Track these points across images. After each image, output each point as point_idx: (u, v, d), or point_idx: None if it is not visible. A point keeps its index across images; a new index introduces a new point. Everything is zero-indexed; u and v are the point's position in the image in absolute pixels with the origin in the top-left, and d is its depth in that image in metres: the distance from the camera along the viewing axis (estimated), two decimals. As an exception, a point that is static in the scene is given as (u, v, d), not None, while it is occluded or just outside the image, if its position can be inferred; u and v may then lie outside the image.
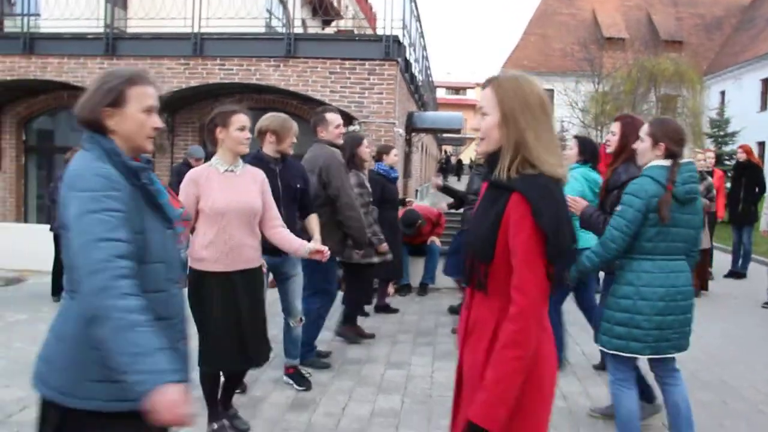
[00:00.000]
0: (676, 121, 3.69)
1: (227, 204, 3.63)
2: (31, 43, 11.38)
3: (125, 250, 1.87)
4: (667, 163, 3.42)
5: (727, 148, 22.30)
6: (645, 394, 4.24)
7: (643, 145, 3.51)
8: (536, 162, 1.95)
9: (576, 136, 5.50)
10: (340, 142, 5.33)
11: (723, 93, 34.60)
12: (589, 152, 5.11)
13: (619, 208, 3.40)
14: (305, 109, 10.92)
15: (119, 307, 1.78)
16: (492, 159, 2.04)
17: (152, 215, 2.06)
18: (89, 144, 2.02)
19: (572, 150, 5.12)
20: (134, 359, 1.75)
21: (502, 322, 1.95)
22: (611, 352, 3.51)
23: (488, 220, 1.98)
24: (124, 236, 1.88)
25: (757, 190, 9.77)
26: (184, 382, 1.82)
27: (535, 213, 1.89)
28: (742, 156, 10.10)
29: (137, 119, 2.06)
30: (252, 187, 3.78)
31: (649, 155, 3.49)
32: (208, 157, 5.19)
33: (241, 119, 3.65)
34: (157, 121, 2.13)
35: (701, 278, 8.58)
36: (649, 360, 3.59)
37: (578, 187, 4.73)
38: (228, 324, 3.65)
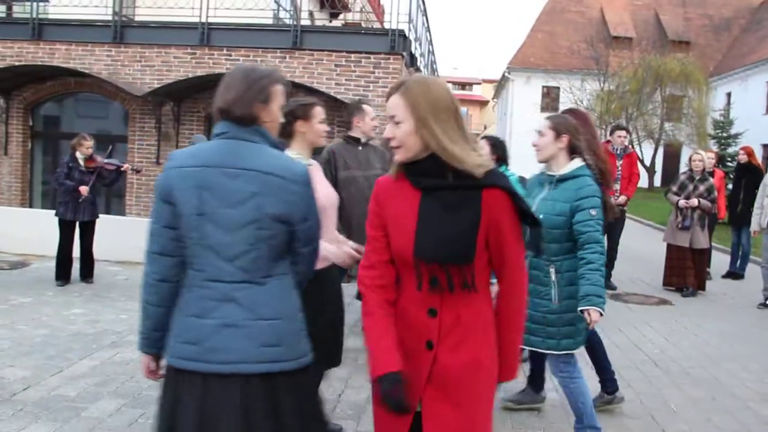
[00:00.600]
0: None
1: (326, 198, 3.37)
2: (40, 29, 11.46)
3: None
4: (582, 162, 3.53)
5: (730, 150, 22.29)
6: (537, 383, 4.44)
7: (544, 139, 3.57)
8: (461, 160, 1.96)
9: (486, 137, 5.35)
10: (374, 135, 5.31)
11: (729, 94, 34.54)
12: (500, 151, 5.00)
13: (594, 212, 3.39)
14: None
15: None
16: (423, 166, 2.02)
17: None
18: (258, 137, 2.17)
19: (483, 150, 5.05)
20: None
21: (489, 313, 2.10)
22: (563, 352, 3.55)
23: (461, 223, 1.97)
24: None
25: (757, 191, 9.80)
26: None
27: (517, 200, 2.00)
28: (743, 158, 10.15)
29: (276, 115, 2.25)
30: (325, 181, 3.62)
31: (552, 147, 3.55)
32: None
33: (321, 111, 3.54)
34: (281, 116, 2.30)
35: (699, 278, 8.65)
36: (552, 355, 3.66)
37: None
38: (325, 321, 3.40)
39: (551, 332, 3.52)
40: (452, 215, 1.98)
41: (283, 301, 2.14)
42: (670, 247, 8.73)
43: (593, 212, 3.38)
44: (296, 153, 3.39)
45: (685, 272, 8.53)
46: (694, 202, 8.33)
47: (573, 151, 3.54)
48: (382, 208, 2.09)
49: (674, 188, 8.68)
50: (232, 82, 2.18)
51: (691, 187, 8.47)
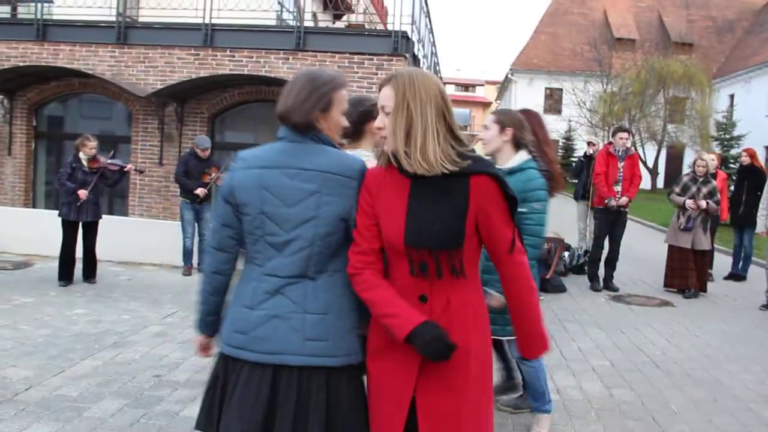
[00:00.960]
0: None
1: None
2: (44, 30, 11.49)
3: None
4: (528, 155, 3.61)
5: (733, 152, 22.29)
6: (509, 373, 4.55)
7: (489, 133, 3.67)
8: (424, 154, 2.00)
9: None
10: None
11: (732, 96, 34.52)
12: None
13: (537, 205, 3.46)
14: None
15: None
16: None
17: None
18: (317, 141, 2.25)
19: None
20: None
21: (479, 300, 2.15)
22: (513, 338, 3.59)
23: (449, 210, 2.02)
24: None
25: (759, 193, 9.81)
26: None
27: (504, 186, 2.05)
28: (746, 159, 10.15)
29: (336, 120, 2.28)
30: None
31: (497, 140, 3.63)
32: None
33: None
34: (344, 121, 2.33)
35: (700, 280, 8.65)
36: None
37: None
38: None
39: (509, 319, 3.47)
40: (441, 202, 2.02)
41: (333, 297, 2.18)
42: (671, 248, 8.72)
43: (537, 206, 3.44)
44: (368, 153, 3.23)
45: (686, 274, 8.53)
46: (702, 203, 8.32)
47: (517, 145, 3.61)
48: (374, 198, 2.11)
49: (677, 189, 8.67)
50: (294, 88, 2.23)
51: (694, 188, 8.47)
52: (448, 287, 2.07)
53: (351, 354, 2.18)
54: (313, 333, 2.12)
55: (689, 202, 8.39)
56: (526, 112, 4.18)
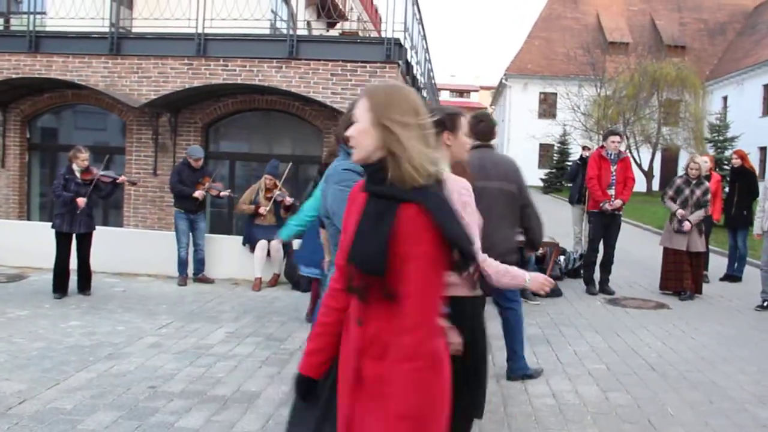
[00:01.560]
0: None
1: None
2: (37, 42, 11.49)
3: None
4: None
5: (727, 153, 22.35)
6: None
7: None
8: (414, 168, 1.94)
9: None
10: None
11: (725, 98, 34.68)
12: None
13: None
14: (307, 110, 11.02)
15: None
16: (371, 169, 2.03)
17: None
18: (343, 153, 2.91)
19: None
20: None
21: (428, 337, 1.97)
22: None
23: (379, 233, 1.92)
24: None
25: (750, 195, 9.86)
26: None
27: (439, 225, 1.91)
28: (737, 161, 10.18)
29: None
30: None
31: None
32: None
33: (466, 123, 3.29)
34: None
35: (696, 282, 8.67)
36: None
37: None
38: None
39: None
40: (376, 224, 1.95)
41: None
42: (666, 250, 8.73)
43: None
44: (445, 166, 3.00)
45: (682, 276, 8.54)
46: (687, 226, 8.36)
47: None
48: (349, 212, 2.12)
49: (670, 192, 8.69)
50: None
51: (687, 191, 8.49)
52: (381, 314, 1.97)
53: None
54: None
55: (679, 212, 8.44)
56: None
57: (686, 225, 8.36)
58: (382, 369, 1.96)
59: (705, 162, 9.56)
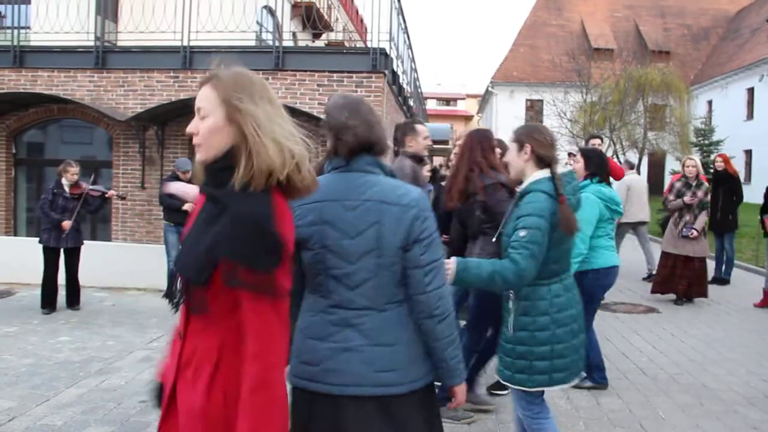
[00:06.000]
0: (542, 125, 3.39)
1: None
2: (21, 56, 11.44)
3: None
4: (547, 173, 3.09)
5: (713, 157, 22.54)
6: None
7: (510, 153, 3.24)
8: (265, 164, 1.67)
9: (582, 150, 5.24)
10: (426, 154, 5.18)
11: (710, 102, 34.99)
12: (595, 165, 4.93)
13: (523, 233, 2.93)
14: (293, 122, 11.00)
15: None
16: (215, 166, 1.76)
17: None
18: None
19: (578, 164, 4.92)
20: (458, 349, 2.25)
21: (225, 354, 1.72)
22: (534, 389, 3.08)
23: (204, 240, 1.69)
24: None
25: (734, 198, 9.91)
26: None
27: (226, 240, 1.64)
28: (720, 165, 10.18)
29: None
30: None
31: (518, 161, 3.15)
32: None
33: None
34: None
35: (700, 285, 8.49)
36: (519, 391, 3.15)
37: (595, 208, 4.68)
38: None
39: (507, 363, 3.11)
40: (204, 230, 1.73)
41: (401, 328, 2.18)
42: (667, 255, 8.56)
43: (522, 233, 2.93)
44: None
45: (673, 280, 8.47)
46: (694, 233, 8.24)
47: (541, 162, 3.11)
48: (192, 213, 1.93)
49: (671, 197, 8.58)
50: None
51: (689, 193, 8.40)
52: (198, 329, 1.77)
53: (418, 379, 2.20)
54: (384, 365, 2.14)
55: (687, 199, 8.29)
56: (476, 135, 4.26)
57: (693, 232, 8.26)
58: (193, 398, 1.71)
59: (694, 166, 9.64)
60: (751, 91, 31.79)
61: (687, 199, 8.34)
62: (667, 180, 23.05)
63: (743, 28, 36.94)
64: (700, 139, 25.25)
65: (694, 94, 35.04)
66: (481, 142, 4.40)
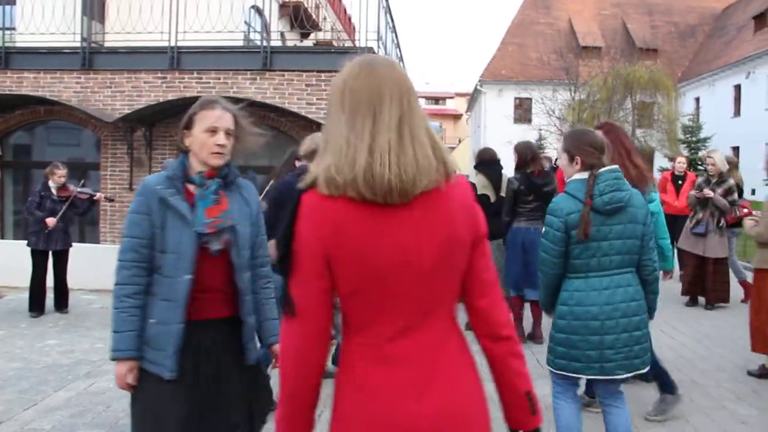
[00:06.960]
0: (591, 131, 3.53)
1: None
2: (7, 58, 11.36)
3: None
4: (585, 175, 3.28)
5: (701, 153, 22.66)
6: (666, 385, 4.48)
7: (561, 162, 3.44)
8: None
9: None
10: None
11: (698, 99, 35.20)
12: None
13: (543, 229, 3.37)
14: (282, 121, 10.99)
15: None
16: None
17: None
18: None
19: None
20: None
21: None
22: (557, 371, 3.35)
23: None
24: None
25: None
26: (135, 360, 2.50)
27: None
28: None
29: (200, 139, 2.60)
30: None
31: (570, 170, 3.37)
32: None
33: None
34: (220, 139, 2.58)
35: (716, 289, 8.20)
36: (592, 380, 3.48)
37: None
38: None
39: (549, 347, 3.43)
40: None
41: None
42: (685, 254, 8.41)
43: (542, 230, 3.42)
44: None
45: (703, 283, 8.18)
46: (710, 192, 7.90)
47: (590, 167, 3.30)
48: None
49: (694, 192, 8.30)
50: None
51: (707, 189, 8.06)
52: None
53: None
54: None
55: (706, 191, 7.94)
56: (605, 127, 4.02)
57: (707, 191, 7.87)
58: None
59: (682, 163, 9.71)
60: (738, 87, 32.01)
61: (704, 192, 7.96)
62: (656, 177, 23.12)
63: (729, 26, 37.18)
64: (687, 136, 25.37)
65: (681, 91, 35.24)
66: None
